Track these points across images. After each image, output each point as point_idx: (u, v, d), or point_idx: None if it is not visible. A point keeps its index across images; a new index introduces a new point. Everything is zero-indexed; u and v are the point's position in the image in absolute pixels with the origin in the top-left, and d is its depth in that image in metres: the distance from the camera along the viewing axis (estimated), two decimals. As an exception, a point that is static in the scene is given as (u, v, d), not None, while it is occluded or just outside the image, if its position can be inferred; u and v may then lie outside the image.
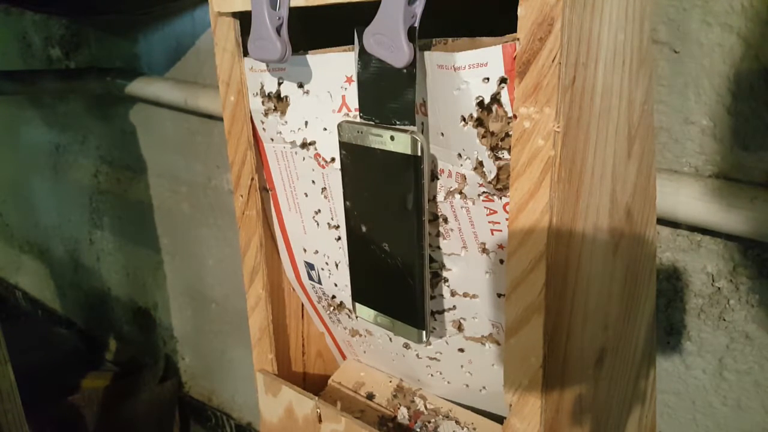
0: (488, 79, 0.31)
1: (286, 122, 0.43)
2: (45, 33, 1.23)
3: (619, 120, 0.35)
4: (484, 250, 0.37)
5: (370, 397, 0.52)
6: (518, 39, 0.29)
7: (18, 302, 1.81)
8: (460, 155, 0.34)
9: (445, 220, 0.38)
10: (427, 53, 0.33)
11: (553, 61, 0.28)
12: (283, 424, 0.49)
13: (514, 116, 0.30)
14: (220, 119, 0.75)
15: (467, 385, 0.46)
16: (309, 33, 0.41)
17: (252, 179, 0.46)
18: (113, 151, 1.22)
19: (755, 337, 0.52)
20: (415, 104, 0.34)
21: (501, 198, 0.34)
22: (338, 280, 0.48)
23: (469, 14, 0.38)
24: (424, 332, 0.39)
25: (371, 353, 0.52)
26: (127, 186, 1.22)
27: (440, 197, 0.37)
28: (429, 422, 0.48)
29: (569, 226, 0.32)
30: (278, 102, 0.43)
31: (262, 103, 0.43)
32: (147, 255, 1.25)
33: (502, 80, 0.30)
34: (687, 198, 0.48)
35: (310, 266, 0.50)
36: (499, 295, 0.38)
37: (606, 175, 0.34)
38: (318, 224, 0.46)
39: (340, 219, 0.44)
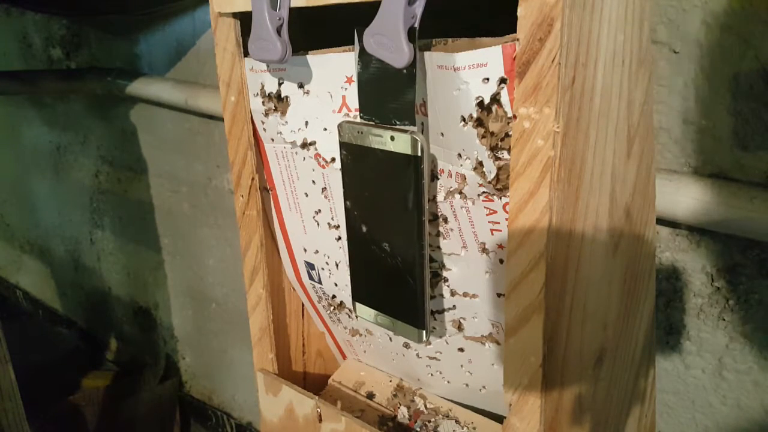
0: (488, 79, 0.31)
1: (286, 122, 0.43)
2: (45, 33, 1.23)
3: (619, 120, 0.35)
4: (484, 250, 0.37)
5: (370, 396, 0.52)
6: (518, 39, 0.29)
7: (19, 302, 1.81)
8: (460, 155, 0.34)
9: (445, 220, 0.38)
10: (427, 53, 0.33)
11: (552, 61, 0.28)
12: (284, 423, 0.49)
13: (514, 116, 0.30)
14: (221, 119, 0.75)
15: (467, 385, 0.46)
16: (309, 33, 0.41)
17: (252, 179, 0.46)
18: (114, 151, 1.22)
19: (754, 336, 0.52)
20: (415, 104, 0.34)
21: (501, 198, 0.34)
22: (338, 280, 0.48)
23: (469, 14, 0.38)
24: (424, 332, 0.39)
25: (371, 353, 0.53)
26: (127, 186, 1.22)
27: (440, 197, 0.37)
28: (429, 421, 0.48)
29: (569, 226, 0.32)
30: (278, 102, 0.43)
31: (263, 103, 0.43)
32: (147, 255, 1.25)
33: (502, 80, 0.30)
34: (686, 198, 0.48)
35: (310, 266, 0.50)
36: (499, 295, 0.38)
37: (605, 175, 0.34)
38: (318, 224, 0.46)
39: (341, 219, 0.44)
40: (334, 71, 0.39)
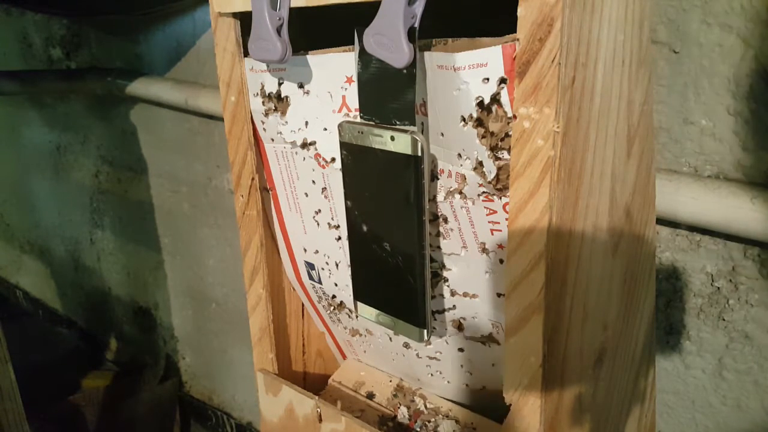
0: (488, 79, 0.31)
1: (286, 122, 0.43)
2: (46, 33, 1.23)
3: (619, 120, 0.35)
4: (484, 250, 0.37)
5: (370, 396, 0.52)
6: (518, 39, 0.29)
7: (19, 302, 1.81)
8: (460, 155, 0.34)
9: (445, 220, 0.38)
10: (427, 53, 0.33)
11: (552, 61, 0.28)
12: (284, 423, 0.49)
13: (514, 116, 0.30)
14: (221, 119, 0.75)
15: (467, 385, 0.46)
16: (309, 33, 0.41)
17: (252, 179, 0.46)
18: (114, 151, 1.22)
19: (754, 336, 0.52)
20: (415, 104, 0.34)
21: (501, 198, 0.34)
22: (338, 280, 0.48)
23: (469, 14, 0.38)
24: (425, 331, 0.39)
25: (371, 353, 0.53)
26: (127, 186, 1.22)
27: (440, 197, 0.37)
28: (429, 422, 0.48)
29: (569, 226, 0.32)
30: (278, 102, 0.43)
31: (263, 103, 0.43)
32: (147, 255, 1.25)
33: (502, 80, 0.30)
34: (686, 198, 0.48)
35: (310, 266, 0.50)
36: (499, 295, 0.38)
37: (605, 175, 0.34)
38: (318, 224, 0.46)
39: (341, 219, 0.44)
40: (334, 71, 0.39)
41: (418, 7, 0.31)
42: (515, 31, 0.29)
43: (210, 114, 0.91)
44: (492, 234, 0.36)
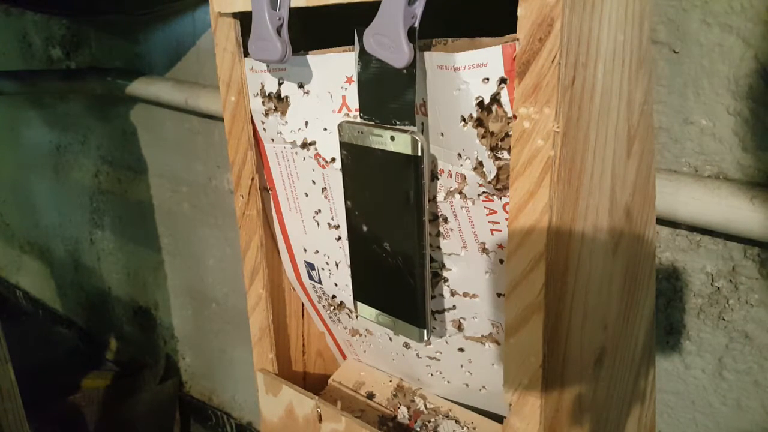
0: (488, 79, 0.31)
1: (286, 122, 0.43)
2: (45, 33, 1.23)
3: (619, 120, 0.35)
4: (484, 250, 0.37)
5: (370, 396, 0.52)
6: (518, 39, 0.29)
7: (19, 302, 1.81)
8: (459, 155, 0.34)
9: (445, 220, 0.38)
10: (427, 53, 0.33)
11: (552, 61, 0.28)
12: (284, 423, 0.49)
13: (514, 116, 0.30)
14: (221, 119, 0.75)
15: (467, 385, 0.46)
16: (309, 33, 0.41)
17: (252, 179, 0.46)
18: (114, 151, 1.22)
19: (754, 336, 0.52)
20: (415, 104, 0.34)
21: (501, 198, 0.34)
22: (338, 280, 0.48)
23: (469, 14, 0.38)
24: (425, 331, 0.39)
25: (371, 353, 0.53)
26: (127, 186, 1.22)
27: (440, 197, 0.37)
28: (429, 422, 0.48)
29: (569, 226, 0.32)
30: (278, 102, 0.43)
31: (263, 103, 0.43)
32: (147, 255, 1.25)
33: (502, 80, 0.30)
34: (686, 198, 0.48)
35: (310, 266, 0.50)
36: (499, 295, 0.38)
37: (605, 175, 0.34)
38: (318, 224, 0.46)
39: (341, 219, 0.44)
40: (334, 71, 0.39)
41: (418, 7, 0.31)
42: (515, 31, 0.29)
43: (210, 114, 0.91)
44: (492, 234, 0.36)
